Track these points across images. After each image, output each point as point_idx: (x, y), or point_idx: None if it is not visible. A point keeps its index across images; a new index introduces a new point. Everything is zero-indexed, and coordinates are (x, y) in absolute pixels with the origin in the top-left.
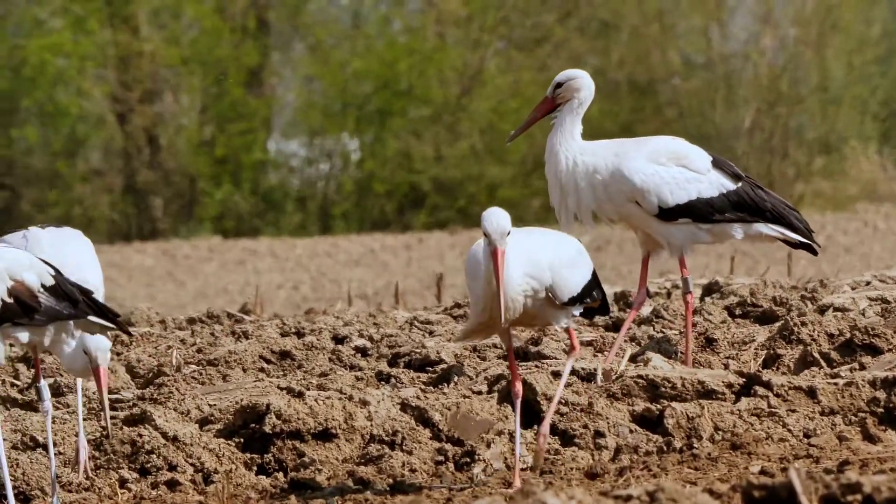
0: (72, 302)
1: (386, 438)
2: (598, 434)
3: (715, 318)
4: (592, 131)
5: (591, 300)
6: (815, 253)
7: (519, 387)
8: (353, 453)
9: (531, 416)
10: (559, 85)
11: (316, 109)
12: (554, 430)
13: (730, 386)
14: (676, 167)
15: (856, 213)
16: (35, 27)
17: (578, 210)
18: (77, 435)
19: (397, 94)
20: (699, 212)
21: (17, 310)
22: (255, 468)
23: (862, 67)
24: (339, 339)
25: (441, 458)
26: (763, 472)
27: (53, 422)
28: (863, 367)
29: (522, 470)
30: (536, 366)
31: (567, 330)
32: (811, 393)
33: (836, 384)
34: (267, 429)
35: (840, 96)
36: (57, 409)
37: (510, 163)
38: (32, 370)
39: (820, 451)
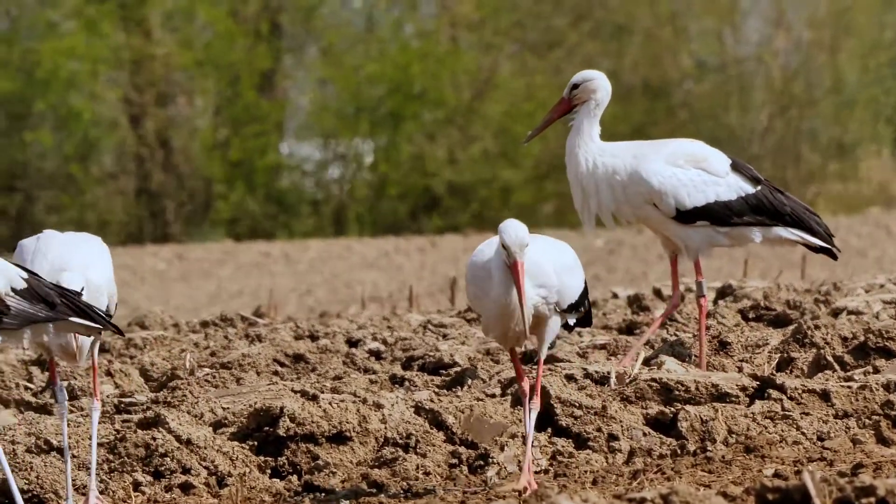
0: (48, 304)
1: (400, 441)
2: (612, 437)
3: (728, 321)
4: (605, 134)
5: (584, 308)
6: (834, 257)
7: (526, 386)
8: (366, 456)
9: (544, 419)
10: (575, 86)
11: (329, 113)
12: (568, 433)
13: (743, 389)
14: (694, 170)
15: (869, 215)
16: (48, 30)
17: (600, 211)
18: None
19: (410, 97)
20: (717, 215)
21: None
22: (268, 471)
23: (876, 70)
24: (352, 343)
25: (455, 461)
26: (777, 475)
27: (68, 425)
28: (876, 371)
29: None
30: (550, 369)
31: (537, 363)
32: (825, 396)
33: (849, 387)
34: (281, 432)
35: (853, 99)
36: (71, 412)
37: (523, 166)
38: (46, 373)
39: (833, 455)
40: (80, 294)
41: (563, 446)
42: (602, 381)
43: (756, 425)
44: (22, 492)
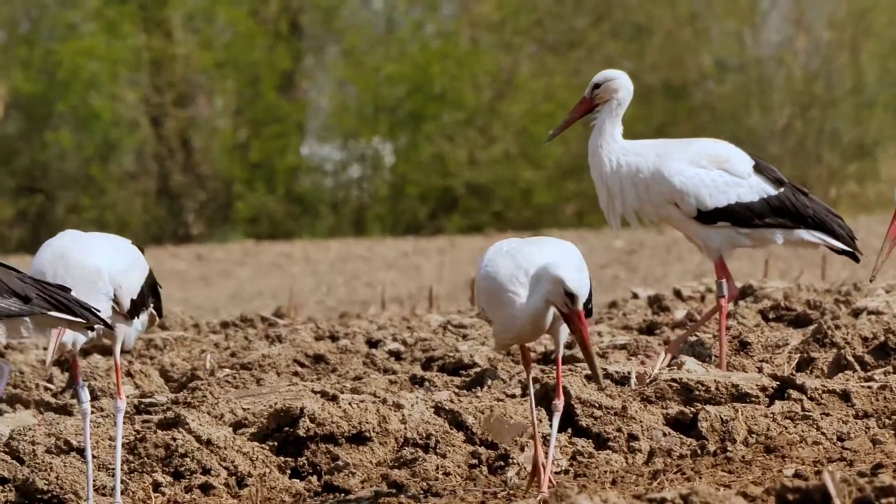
0: (21, 299)
1: (420, 442)
2: (632, 437)
3: (749, 321)
4: (625, 135)
5: (590, 305)
6: (857, 260)
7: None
8: (386, 457)
9: (565, 419)
10: (597, 86)
11: (349, 113)
12: (587, 433)
13: (763, 389)
14: (717, 170)
15: (889, 216)
16: (69, 31)
17: (625, 211)
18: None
19: (430, 98)
20: (738, 216)
21: None
22: (288, 472)
23: None
24: (372, 343)
25: (475, 461)
26: (797, 475)
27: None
28: None
29: (556, 473)
30: (570, 369)
31: (555, 360)
32: (845, 396)
33: (869, 387)
34: (301, 432)
35: (874, 100)
36: (92, 412)
37: (544, 167)
38: (66, 374)
39: (854, 455)
40: (67, 289)
41: (583, 446)
42: (622, 381)
43: (776, 425)
44: (41, 492)
